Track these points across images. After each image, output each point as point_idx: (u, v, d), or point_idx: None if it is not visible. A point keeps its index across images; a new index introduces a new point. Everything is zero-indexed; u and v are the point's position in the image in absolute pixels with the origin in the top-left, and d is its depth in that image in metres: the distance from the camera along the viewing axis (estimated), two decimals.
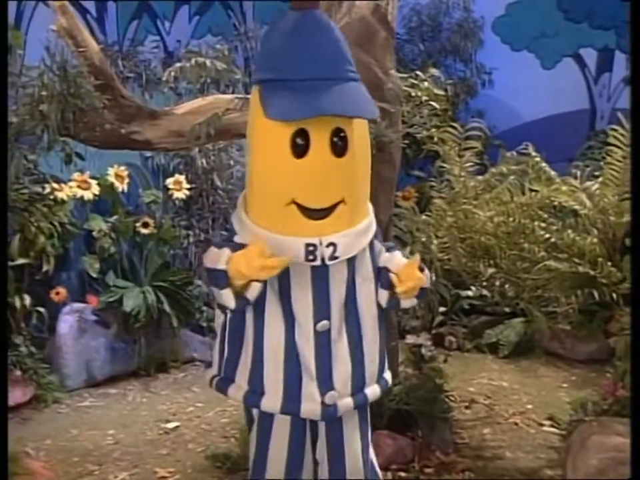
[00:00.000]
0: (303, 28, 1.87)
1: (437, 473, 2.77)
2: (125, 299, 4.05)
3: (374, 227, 2.00)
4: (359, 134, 1.87)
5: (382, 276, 2.00)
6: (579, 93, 5.73)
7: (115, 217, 4.29)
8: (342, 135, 1.82)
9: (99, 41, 3.41)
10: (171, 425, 3.42)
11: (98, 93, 2.42)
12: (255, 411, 2.12)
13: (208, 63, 2.65)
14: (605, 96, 5.72)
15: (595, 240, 2.94)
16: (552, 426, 3.22)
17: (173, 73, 2.71)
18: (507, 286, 3.11)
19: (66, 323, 3.99)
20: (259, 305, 1.91)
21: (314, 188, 1.83)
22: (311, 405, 1.93)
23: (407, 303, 2.02)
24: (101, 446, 3.21)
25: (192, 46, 4.81)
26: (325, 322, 1.91)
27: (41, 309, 3.90)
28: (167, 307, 4.15)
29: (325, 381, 1.93)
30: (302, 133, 1.80)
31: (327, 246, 1.84)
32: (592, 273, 2.82)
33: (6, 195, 2.65)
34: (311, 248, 1.84)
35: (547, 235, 2.93)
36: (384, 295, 2.01)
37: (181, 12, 5.44)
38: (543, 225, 2.98)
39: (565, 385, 3.81)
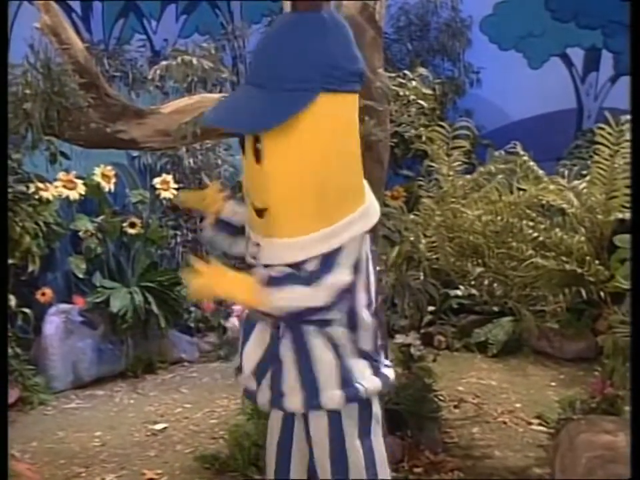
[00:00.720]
0: (272, 30, 1.88)
1: (426, 473, 2.77)
2: (112, 299, 4.03)
3: (313, 249, 1.86)
4: (277, 141, 1.79)
5: None
6: (566, 92, 5.75)
7: (102, 217, 4.26)
8: (257, 141, 1.81)
9: (85, 39, 3.38)
10: (158, 427, 3.40)
11: (83, 91, 2.39)
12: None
13: (194, 61, 2.64)
14: (592, 95, 5.74)
15: (583, 238, 2.94)
16: (540, 424, 3.23)
17: (159, 72, 2.69)
18: (495, 285, 3.11)
19: (52, 324, 3.96)
20: None
21: (249, 185, 1.90)
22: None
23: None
24: (87, 448, 3.19)
25: (179, 45, 4.79)
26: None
27: (27, 310, 3.87)
28: (154, 308, 4.13)
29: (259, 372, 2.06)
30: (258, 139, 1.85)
31: (255, 245, 1.90)
32: (579, 271, 2.82)
33: (6, 195, 2.63)
34: (249, 242, 1.93)
35: (535, 234, 2.93)
36: None
37: (167, 11, 5.41)
38: (531, 223, 2.98)
39: (553, 384, 3.82)
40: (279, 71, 1.79)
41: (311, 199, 1.84)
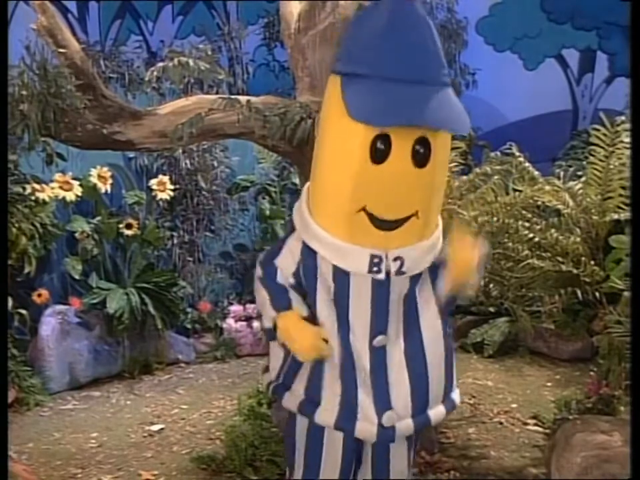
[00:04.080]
0: (399, 20, 1.68)
1: (422, 473, 2.77)
2: (109, 300, 4.02)
3: (441, 241, 1.85)
4: (443, 144, 1.73)
5: (437, 275, 1.87)
6: (561, 94, 5.77)
7: (98, 218, 4.26)
8: (426, 144, 1.68)
9: (81, 40, 3.37)
10: (155, 428, 3.39)
11: (79, 92, 2.40)
12: (300, 419, 1.96)
13: (191, 62, 2.63)
14: (587, 96, 5.77)
15: (578, 239, 2.95)
16: (536, 425, 3.24)
17: (155, 73, 2.70)
18: (491, 285, 3.12)
19: (48, 325, 3.95)
20: (312, 313, 1.84)
21: (388, 198, 1.70)
22: (366, 425, 1.81)
23: (464, 291, 1.86)
24: (84, 449, 3.18)
25: (175, 46, 4.79)
26: (381, 337, 1.81)
27: (23, 311, 3.86)
28: (151, 309, 4.13)
29: (382, 400, 1.81)
30: (384, 138, 1.66)
31: (394, 260, 1.74)
32: (575, 271, 2.84)
33: (6, 195, 2.63)
34: (376, 260, 1.73)
35: (531, 235, 2.94)
36: (441, 286, 1.86)
37: (164, 12, 5.41)
38: (527, 224, 3.00)
39: (549, 384, 3.83)
40: (440, 68, 1.73)
41: (442, 196, 1.85)
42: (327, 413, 1.85)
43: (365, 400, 1.81)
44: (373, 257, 1.73)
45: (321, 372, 1.84)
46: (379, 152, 1.66)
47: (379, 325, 1.81)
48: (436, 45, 1.71)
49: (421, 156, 1.68)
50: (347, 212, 1.73)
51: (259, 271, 1.94)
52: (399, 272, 1.75)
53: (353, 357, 1.81)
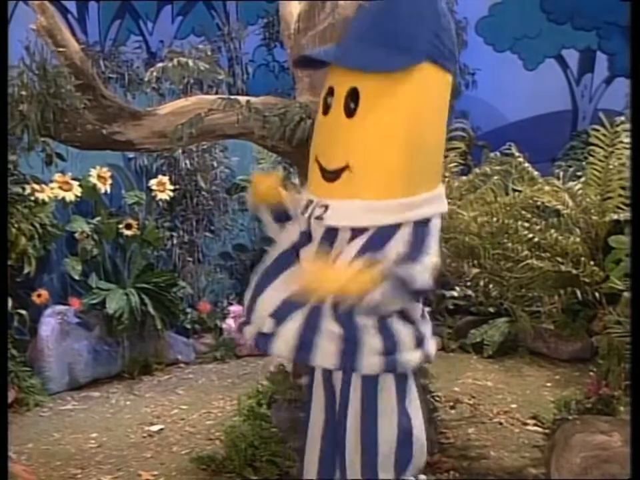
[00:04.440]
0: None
1: (421, 473, 2.77)
2: (108, 301, 4.02)
3: (401, 215, 1.82)
4: (376, 95, 1.79)
5: None
6: (561, 94, 5.77)
7: (98, 219, 4.26)
8: (356, 95, 1.79)
9: (80, 40, 3.37)
10: (155, 428, 3.39)
11: (79, 93, 2.39)
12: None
13: (191, 63, 2.64)
14: (587, 97, 5.77)
15: (578, 239, 2.95)
16: (536, 425, 3.24)
17: (155, 73, 2.70)
18: (490, 286, 3.12)
19: (48, 326, 3.95)
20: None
21: (325, 146, 1.85)
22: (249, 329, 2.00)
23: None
24: (83, 449, 3.18)
25: (175, 46, 4.80)
26: None
27: (22, 312, 3.86)
28: (150, 309, 4.13)
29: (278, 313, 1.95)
30: (330, 91, 1.85)
31: (320, 206, 1.85)
32: (574, 272, 2.83)
33: (6, 195, 2.62)
34: (307, 203, 1.90)
35: (530, 235, 2.94)
36: None
37: (163, 12, 5.42)
38: (526, 224, 2.99)
39: (548, 384, 3.83)
40: (392, 28, 1.80)
41: (399, 159, 1.80)
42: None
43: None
44: (308, 201, 1.90)
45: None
46: (326, 104, 1.85)
47: None
48: (406, 13, 1.84)
49: (351, 106, 1.79)
50: (310, 162, 1.93)
51: None
52: (318, 217, 1.85)
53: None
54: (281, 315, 1.88)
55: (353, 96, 1.79)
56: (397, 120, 1.80)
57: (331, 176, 1.82)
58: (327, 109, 1.84)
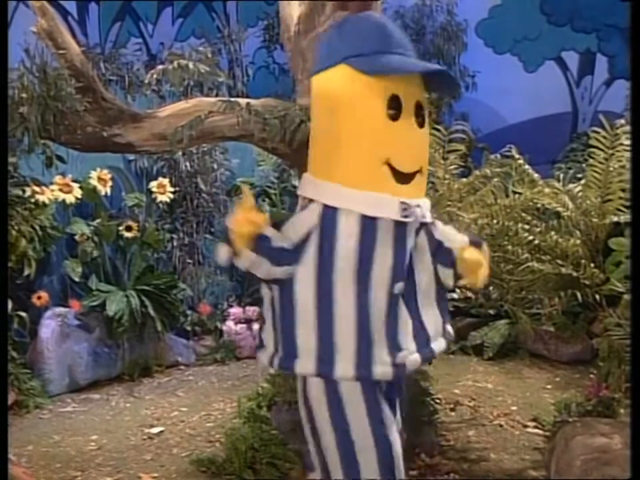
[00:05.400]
0: (373, 19, 2.04)
1: (422, 475, 2.77)
2: (108, 303, 4.02)
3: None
4: (427, 113, 2.00)
5: (442, 252, 2.06)
6: (561, 96, 5.78)
7: (98, 221, 4.26)
8: (422, 108, 1.96)
9: (81, 43, 3.38)
10: (155, 430, 3.39)
11: (79, 95, 2.39)
12: (314, 384, 1.99)
13: (191, 65, 2.63)
14: (587, 99, 5.77)
15: (578, 241, 2.95)
16: (536, 427, 3.23)
17: (155, 76, 2.70)
18: (491, 288, 3.12)
19: (48, 328, 3.95)
20: (325, 272, 1.91)
21: (404, 151, 1.92)
22: (382, 368, 1.93)
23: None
24: (83, 452, 3.18)
25: (175, 48, 4.80)
26: (401, 284, 1.95)
27: (22, 314, 3.86)
28: (150, 311, 4.13)
29: (394, 342, 1.95)
30: (395, 99, 1.91)
31: (417, 206, 1.93)
32: (575, 274, 2.84)
33: (6, 197, 2.62)
34: (405, 206, 1.91)
35: (531, 237, 2.94)
36: (449, 274, 2.07)
37: (164, 14, 5.42)
38: (527, 226, 3.00)
39: (549, 386, 3.83)
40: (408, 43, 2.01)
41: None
42: (345, 365, 1.92)
43: (380, 346, 1.93)
44: (402, 203, 1.91)
45: (331, 330, 1.91)
46: (393, 111, 1.90)
47: (399, 272, 1.95)
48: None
49: (421, 117, 1.96)
50: (372, 166, 1.91)
51: None
52: (423, 217, 1.96)
53: (369, 309, 1.91)
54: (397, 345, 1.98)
55: (419, 109, 1.95)
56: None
57: (407, 178, 1.92)
58: (395, 116, 1.91)
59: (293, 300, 1.93)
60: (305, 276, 1.92)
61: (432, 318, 2.06)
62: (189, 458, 3.01)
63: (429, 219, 2.02)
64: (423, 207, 1.97)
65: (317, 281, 1.92)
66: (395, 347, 1.94)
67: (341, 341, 1.91)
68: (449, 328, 2.15)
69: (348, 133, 1.95)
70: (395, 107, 1.90)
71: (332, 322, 1.91)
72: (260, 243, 1.88)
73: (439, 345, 2.07)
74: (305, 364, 1.94)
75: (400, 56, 1.95)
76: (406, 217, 1.91)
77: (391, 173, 1.90)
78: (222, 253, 1.90)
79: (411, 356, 1.97)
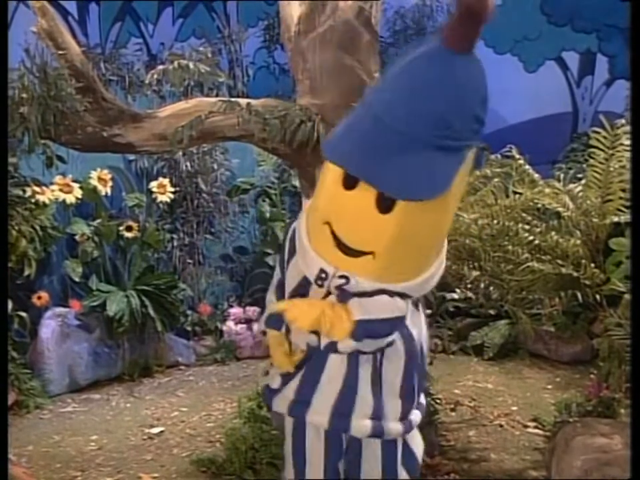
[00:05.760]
0: (426, 66, 1.59)
1: (422, 476, 2.76)
2: (108, 303, 4.02)
3: (412, 292, 1.81)
4: (428, 205, 1.62)
5: None
6: (561, 96, 5.77)
7: (98, 221, 4.26)
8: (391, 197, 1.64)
9: (81, 43, 3.38)
10: (155, 430, 3.39)
11: (79, 95, 2.40)
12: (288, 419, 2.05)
13: (191, 65, 2.64)
14: (587, 99, 5.77)
15: (578, 242, 2.95)
16: (536, 427, 3.23)
17: (156, 76, 2.71)
18: (491, 288, 3.11)
19: (48, 328, 3.95)
20: None
21: (347, 225, 1.71)
22: (317, 417, 1.93)
23: (341, 345, 1.84)
24: (83, 452, 3.18)
25: (175, 49, 4.80)
26: (314, 337, 1.86)
27: (23, 314, 3.87)
28: (151, 311, 4.13)
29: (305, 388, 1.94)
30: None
31: (340, 277, 1.74)
32: (575, 274, 2.83)
33: (6, 197, 2.62)
34: (323, 275, 1.76)
35: (531, 237, 2.94)
36: None
37: (164, 14, 5.42)
38: (527, 227, 2.99)
39: (549, 387, 3.83)
40: (436, 130, 1.57)
41: (420, 256, 1.77)
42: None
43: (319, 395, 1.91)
44: (321, 270, 1.76)
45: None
46: (349, 181, 1.66)
47: None
48: (449, 103, 1.57)
49: (386, 202, 1.63)
50: (316, 219, 1.78)
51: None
52: (339, 287, 1.76)
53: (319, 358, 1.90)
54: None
55: (383, 195, 1.63)
56: (436, 219, 1.71)
57: (350, 252, 1.71)
58: (350, 184, 1.65)
59: None
60: None
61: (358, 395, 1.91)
62: (189, 458, 3.01)
63: (359, 290, 1.76)
64: (353, 281, 1.73)
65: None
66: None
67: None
68: (386, 423, 1.95)
69: (318, 183, 1.85)
70: (350, 178, 1.65)
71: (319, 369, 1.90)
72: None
73: (359, 425, 1.91)
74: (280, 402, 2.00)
75: (378, 133, 1.58)
76: (319, 285, 1.78)
77: (330, 235, 1.72)
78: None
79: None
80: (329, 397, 1.90)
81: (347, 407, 1.91)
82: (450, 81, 1.58)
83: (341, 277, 1.74)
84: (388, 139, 1.57)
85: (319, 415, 1.91)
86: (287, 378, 1.96)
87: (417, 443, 2.07)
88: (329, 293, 1.81)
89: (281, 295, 1.99)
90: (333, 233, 1.72)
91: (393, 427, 1.93)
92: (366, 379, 1.90)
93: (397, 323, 1.83)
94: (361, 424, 1.91)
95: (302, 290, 1.87)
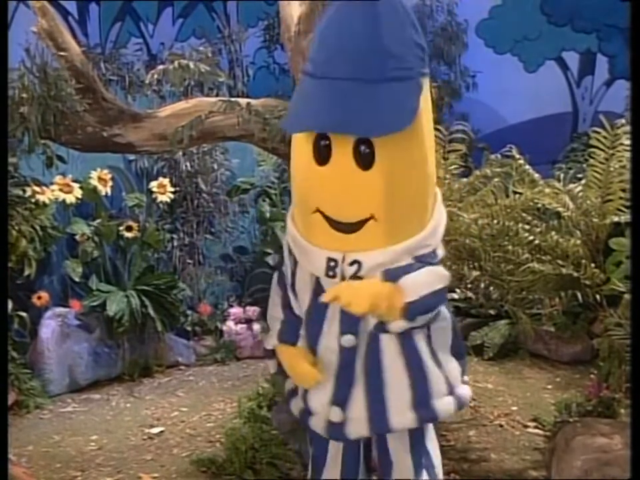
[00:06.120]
0: (344, 12, 1.60)
1: None
2: (109, 303, 4.02)
3: (424, 249, 1.75)
4: (396, 143, 1.61)
5: None
6: (561, 96, 5.77)
7: (98, 221, 4.26)
8: (369, 144, 1.61)
9: (81, 43, 3.38)
10: (155, 430, 3.39)
11: (79, 95, 2.40)
12: None
13: (191, 65, 2.64)
14: (587, 99, 5.77)
15: (578, 242, 2.95)
16: (537, 427, 3.23)
17: (156, 76, 2.70)
18: (491, 288, 3.11)
19: (48, 328, 3.95)
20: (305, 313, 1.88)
21: (336, 200, 1.65)
22: (317, 420, 1.88)
23: (393, 326, 1.73)
24: (83, 452, 3.18)
25: (175, 48, 4.80)
26: (349, 337, 1.78)
27: (23, 314, 3.86)
28: (151, 311, 4.12)
29: (339, 398, 1.83)
30: (325, 138, 1.63)
31: (350, 264, 1.67)
32: (575, 274, 2.83)
33: (6, 197, 2.62)
34: (332, 263, 1.68)
35: (531, 237, 2.94)
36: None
37: (164, 14, 5.42)
38: (527, 227, 2.99)
39: (549, 387, 3.83)
40: (381, 62, 1.57)
41: (416, 201, 1.71)
42: (296, 408, 1.95)
43: (319, 396, 1.85)
44: (329, 259, 1.68)
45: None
46: (322, 154, 1.63)
47: (346, 325, 1.78)
48: (378, 36, 1.57)
49: (365, 156, 1.61)
50: (303, 213, 1.72)
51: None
52: (355, 277, 1.68)
53: (318, 355, 1.84)
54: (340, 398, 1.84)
55: (366, 145, 1.61)
56: (417, 156, 1.68)
57: (350, 228, 1.65)
58: (323, 156, 1.63)
59: None
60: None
61: (392, 391, 1.83)
62: (189, 458, 3.01)
63: (373, 273, 1.68)
64: (368, 262, 1.67)
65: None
66: (338, 402, 1.83)
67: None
68: (438, 402, 1.89)
69: (291, 174, 1.80)
70: (323, 148, 1.62)
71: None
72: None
73: (400, 420, 1.85)
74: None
75: (326, 89, 1.58)
76: (330, 276, 1.69)
77: (325, 221, 1.67)
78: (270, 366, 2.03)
79: (356, 423, 1.83)
80: (394, 393, 1.81)
81: (423, 393, 1.82)
82: (376, 10, 1.58)
83: (352, 263, 1.67)
84: (342, 89, 1.57)
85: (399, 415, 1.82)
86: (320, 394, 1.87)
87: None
88: None
89: (289, 312, 1.93)
90: (325, 217, 1.67)
91: (463, 391, 1.91)
92: (427, 353, 1.81)
93: (445, 292, 1.77)
94: (445, 402, 1.86)
95: (319, 292, 1.77)
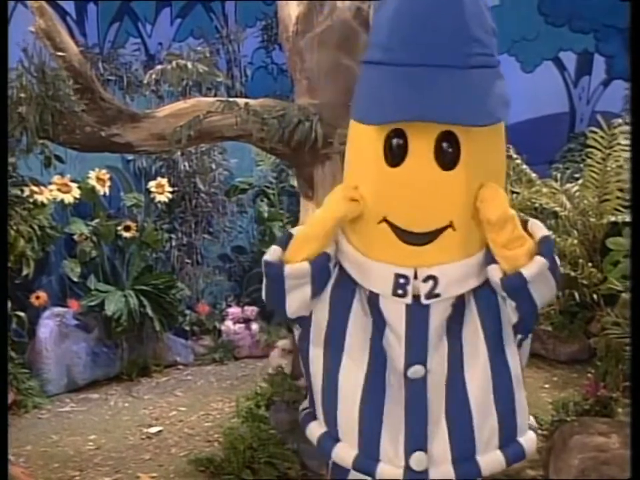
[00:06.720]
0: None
1: None
2: (107, 302, 4.02)
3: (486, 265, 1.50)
4: (479, 138, 1.44)
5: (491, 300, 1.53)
6: (558, 96, 5.78)
7: (97, 221, 4.26)
8: (454, 141, 1.40)
9: (79, 43, 3.38)
10: (153, 430, 3.39)
11: (77, 95, 2.40)
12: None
13: (189, 65, 2.65)
14: (585, 99, 5.78)
15: (575, 241, 2.96)
16: None
17: (154, 76, 2.71)
18: None
19: (46, 328, 3.95)
20: (336, 337, 1.55)
21: (411, 206, 1.42)
22: (390, 468, 1.54)
23: (527, 271, 1.43)
24: (82, 451, 3.18)
25: (174, 48, 4.80)
26: (417, 367, 1.51)
27: (21, 314, 3.86)
28: (149, 311, 4.12)
29: (415, 440, 1.52)
30: (399, 135, 1.41)
31: (425, 280, 1.45)
32: (572, 273, 2.85)
33: (6, 196, 2.62)
34: (402, 280, 1.45)
35: None
36: (496, 274, 1.47)
37: (162, 14, 5.42)
38: None
39: (546, 386, 3.83)
40: (466, 48, 1.39)
41: (504, 201, 1.49)
42: (347, 450, 1.58)
43: (391, 441, 1.53)
44: (398, 276, 1.45)
45: (335, 405, 1.58)
46: (395, 152, 1.41)
47: (414, 355, 1.51)
48: (460, 18, 1.37)
49: (448, 155, 1.40)
50: (367, 224, 1.47)
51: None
52: (431, 295, 1.46)
53: (381, 393, 1.54)
54: (416, 443, 1.53)
55: (449, 142, 1.40)
56: (498, 158, 1.53)
57: (423, 239, 1.43)
58: (398, 154, 1.40)
59: (304, 355, 1.63)
60: (315, 336, 1.58)
61: (481, 423, 1.53)
62: (188, 457, 3.01)
63: (458, 292, 1.47)
64: (445, 277, 1.44)
65: (325, 342, 1.57)
66: (413, 445, 1.52)
67: (344, 420, 1.57)
68: (525, 439, 1.62)
69: (346, 174, 1.56)
70: (397, 147, 1.40)
71: (337, 395, 1.56)
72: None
73: (489, 460, 1.55)
74: (315, 431, 1.66)
75: (408, 77, 1.36)
76: (399, 295, 1.45)
77: (393, 233, 1.44)
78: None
79: (440, 466, 1.52)
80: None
81: (510, 428, 1.56)
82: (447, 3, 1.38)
83: (426, 279, 1.45)
84: (428, 77, 1.37)
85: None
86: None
87: None
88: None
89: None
90: (394, 228, 1.44)
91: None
92: (517, 377, 1.57)
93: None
94: (529, 438, 1.60)
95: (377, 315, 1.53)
